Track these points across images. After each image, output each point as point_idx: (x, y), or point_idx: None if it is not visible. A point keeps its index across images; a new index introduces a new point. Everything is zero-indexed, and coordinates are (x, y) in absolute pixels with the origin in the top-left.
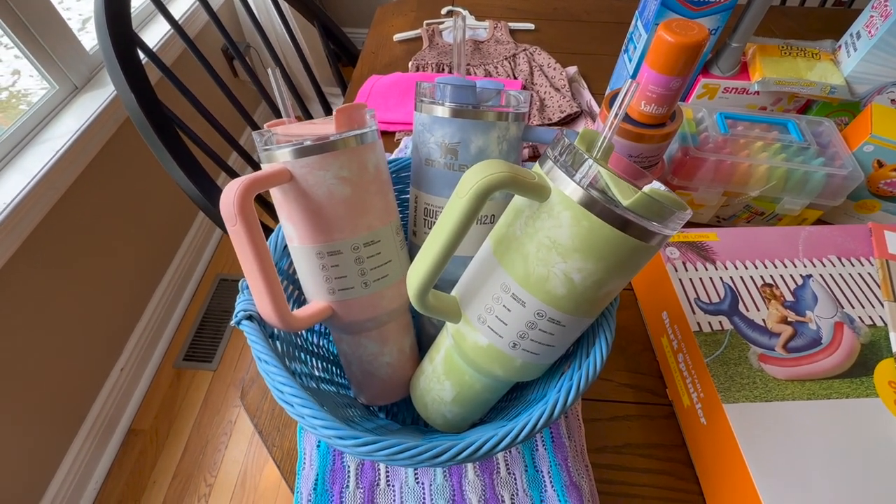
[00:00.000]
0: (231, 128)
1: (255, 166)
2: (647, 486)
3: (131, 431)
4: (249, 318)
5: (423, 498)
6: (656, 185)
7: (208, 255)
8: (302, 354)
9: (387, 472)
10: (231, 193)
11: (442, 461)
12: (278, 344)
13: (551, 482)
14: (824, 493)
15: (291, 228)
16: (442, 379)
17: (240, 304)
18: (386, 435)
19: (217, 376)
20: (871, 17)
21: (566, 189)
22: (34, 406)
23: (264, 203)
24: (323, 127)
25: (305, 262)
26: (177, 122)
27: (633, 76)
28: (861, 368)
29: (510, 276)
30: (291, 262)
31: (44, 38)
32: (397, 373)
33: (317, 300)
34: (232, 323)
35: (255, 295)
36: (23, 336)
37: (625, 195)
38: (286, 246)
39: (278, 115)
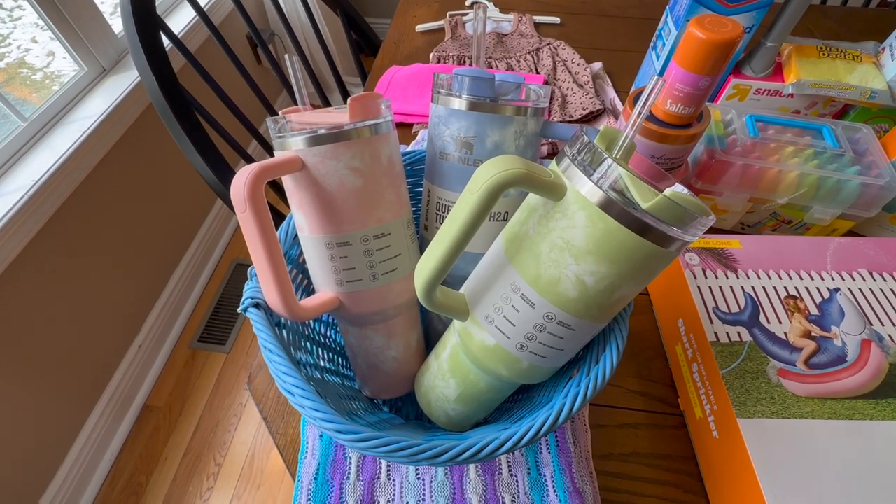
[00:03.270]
0: (252, 116)
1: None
2: (653, 497)
3: (146, 407)
4: (256, 305)
5: (423, 494)
6: (678, 189)
7: (225, 241)
8: (308, 344)
9: (388, 466)
10: (242, 179)
11: (442, 461)
12: (284, 333)
13: (553, 486)
14: None
15: (302, 217)
16: (447, 376)
17: (248, 292)
18: (388, 430)
19: (230, 359)
20: None
21: (583, 188)
22: (55, 379)
23: (279, 190)
24: (337, 116)
25: (315, 252)
26: (197, 109)
27: (661, 74)
28: (888, 389)
29: (520, 276)
30: (302, 251)
31: (75, 19)
32: (403, 367)
33: (325, 290)
34: (239, 310)
35: (262, 283)
36: (46, 311)
37: (644, 198)
38: (297, 234)
39: (297, 103)
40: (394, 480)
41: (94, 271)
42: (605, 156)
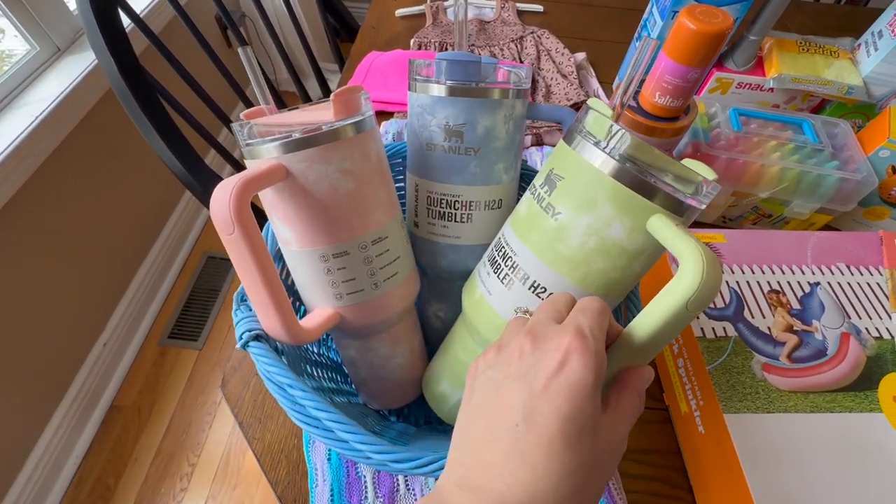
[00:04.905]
0: (222, 102)
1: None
2: (640, 492)
3: (113, 407)
4: (257, 338)
5: None
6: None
7: (196, 232)
8: (308, 367)
9: (405, 477)
10: (225, 198)
11: None
12: (284, 360)
13: None
14: None
15: (288, 231)
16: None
17: (242, 324)
18: (412, 442)
19: (203, 356)
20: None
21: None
22: (14, 379)
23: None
24: (311, 114)
25: (306, 267)
26: (161, 93)
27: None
28: (866, 382)
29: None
30: (284, 267)
31: None
32: (409, 374)
33: (321, 307)
34: (238, 346)
35: (260, 310)
36: (2, 308)
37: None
38: (278, 249)
39: (272, 91)
40: (413, 490)
41: (53, 266)
42: (619, 127)
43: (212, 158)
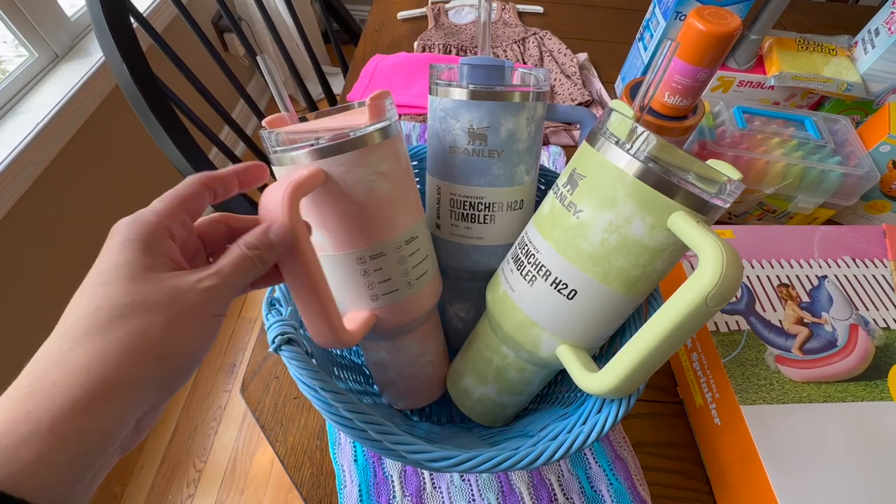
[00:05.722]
0: (223, 100)
1: (249, 140)
2: (659, 484)
3: None
4: (289, 341)
5: (473, 494)
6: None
7: None
8: (336, 370)
9: (431, 475)
10: (278, 203)
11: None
12: (315, 363)
13: (595, 458)
14: (841, 495)
15: (325, 237)
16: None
17: (275, 328)
18: (442, 442)
19: (206, 361)
20: (892, 13)
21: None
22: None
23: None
24: (338, 120)
25: (343, 271)
26: (171, 96)
27: (648, 65)
28: (875, 371)
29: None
30: None
31: (22, 1)
32: (437, 371)
33: (355, 310)
34: (270, 350)
35: (311, 315)
36: (3, 317)
37: (681, 163)
38: None
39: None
40: (440, 488)
41: (53, 271)
42: (643, 129)
43: (215, 156)
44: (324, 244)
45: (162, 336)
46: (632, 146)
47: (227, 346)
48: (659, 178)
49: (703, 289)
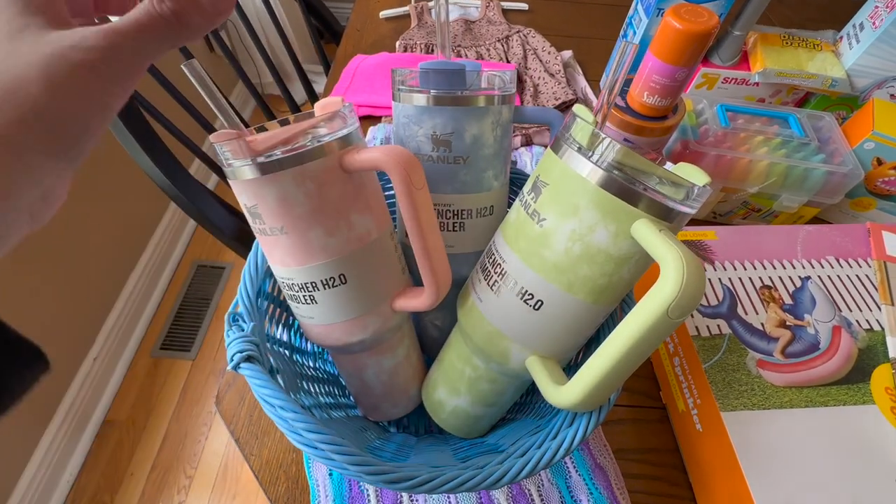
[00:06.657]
0: (204, 110)
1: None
2: (641, 492)
3: (106, 422)
4: (249, 359)
5: None
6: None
7: (185, 241)
8: (305, 383)
9: None
10: (408, 155)
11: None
12: (279, 379)
13: (574, 467)
14: (821, 503)
15: (368, 219)
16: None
17: (234, 345)
18: (414, 456)
19: (196, 366)
20: (876, 7)
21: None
22: None
23: None
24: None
25: (386, 249)
26: (142, 102)
27: (635, 65)
28: (858, 374)
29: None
30: (274, 283)
31: None
32: (412, 382)
33: (396, 289)
34: (229, 368)
35: (441, 262)
36: None
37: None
38: (268, 266)
39: (256, 96)
40: (416, 500)
41: (39, 282)
42: (604, 136)
43: (196, 168)
44: (369, 227)
45: (40, 92)
46: (593, 153)
47: (218, 351)
48: (621, 186)
49: (663, 300)
